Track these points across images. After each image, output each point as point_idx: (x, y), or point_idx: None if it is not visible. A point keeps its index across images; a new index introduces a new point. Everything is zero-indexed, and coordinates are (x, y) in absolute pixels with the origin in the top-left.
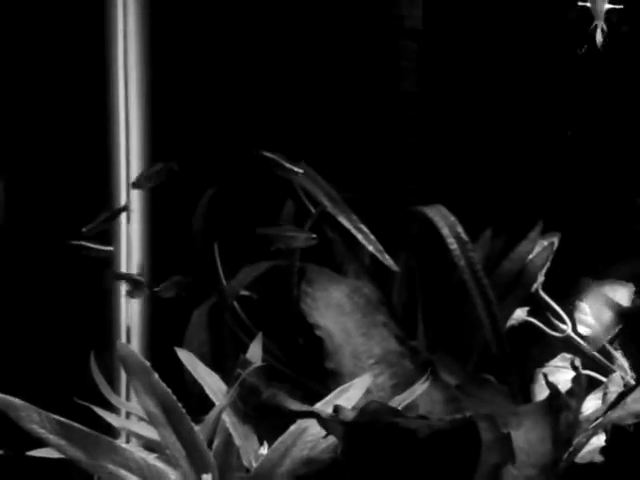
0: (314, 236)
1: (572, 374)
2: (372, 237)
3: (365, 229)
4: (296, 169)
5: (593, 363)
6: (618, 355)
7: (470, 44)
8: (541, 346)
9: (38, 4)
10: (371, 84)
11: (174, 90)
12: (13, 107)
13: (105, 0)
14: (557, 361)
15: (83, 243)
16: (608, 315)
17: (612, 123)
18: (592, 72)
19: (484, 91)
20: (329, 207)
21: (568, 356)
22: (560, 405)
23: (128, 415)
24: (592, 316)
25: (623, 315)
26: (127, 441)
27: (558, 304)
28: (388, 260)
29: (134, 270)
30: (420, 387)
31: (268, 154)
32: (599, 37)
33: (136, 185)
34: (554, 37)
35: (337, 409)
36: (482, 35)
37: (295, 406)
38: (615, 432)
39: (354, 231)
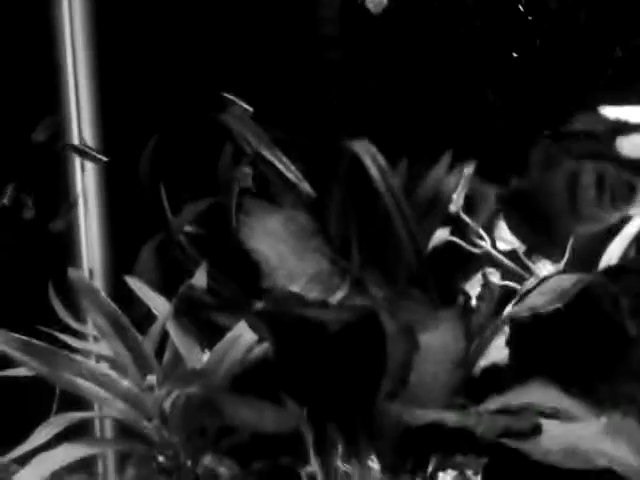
0: (249, 171)
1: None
2: (292, 167)
3: (286, 160)
4: (247, 107)
5: (513, 275)
6: (531, 264)
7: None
8: (466, 263)
9: None
10: (299, 34)
11: (120, 46)
12: None
13: None
14: (481, 274)
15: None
16: None
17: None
18: None
19: (402, 38)
20: (255, 144)
21: (491, 270)
22: (470, 308)
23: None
24: (509, 232)
25: (501, 197)
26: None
27: (480, 225)
28: (305, 185)
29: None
30: (340, 293)
31: (226, 95)
32: None
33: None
34: None
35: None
36: None
37: (228, 319)
38: (514, 326)
39: (276, 162)
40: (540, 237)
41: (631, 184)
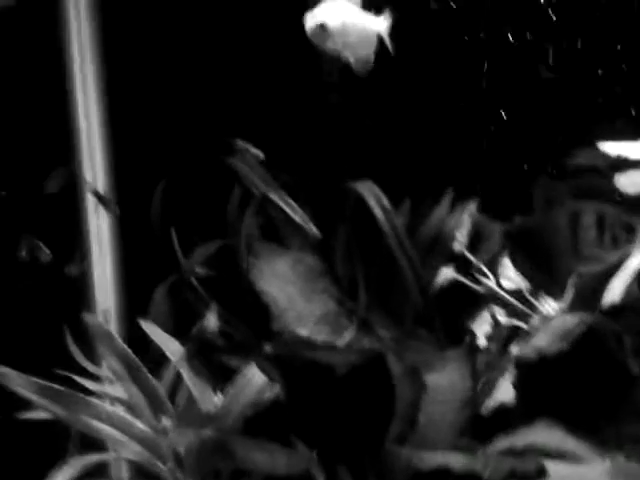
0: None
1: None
2: (299, 210)
3: (293, 203)
4: (257, 152)
5: (518, 313)
6: (535, 302)
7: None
8: (472, 301)
9: None
10: (303, 79)
11: (131, 93)
12: None
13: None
14: (486, 313)
15: None
16: None
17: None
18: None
19: (403, 81)
20: (263, 188)
21: (496, 308)
22: (477, 347)
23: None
24: (514, 271)
25: (506, 234)
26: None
27: (485, 264)
28: (312, 227)
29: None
30: (348, 334)
31: (237, 141)
32: None
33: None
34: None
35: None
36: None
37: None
38: (520, 367)
39: (283, 205)
40: (543, 274)
41: (630, 225)
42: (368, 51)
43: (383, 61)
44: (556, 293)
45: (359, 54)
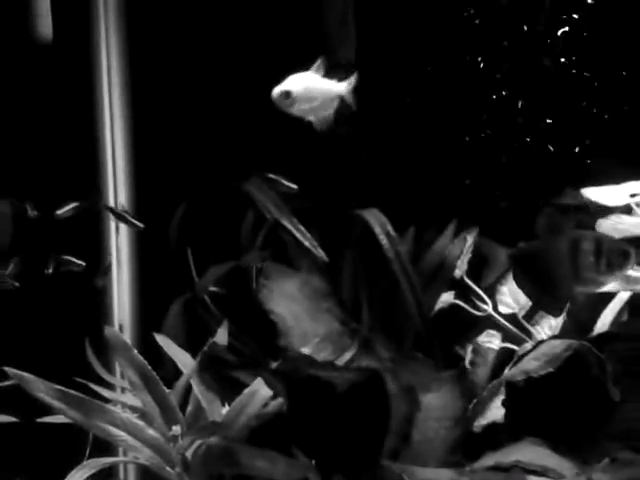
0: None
1: (495, 347)
2: (308, 235)
3: (302, 229)
4: (292, 185)
5: (513, 338)
6: (530, 327)
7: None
8: (470, 325)
9: None
10: None
11: (154, 122)
12: None
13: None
14: (483, 337)
15: None
16: (523, 295)
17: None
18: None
19: (408, 113)
20: (275, 213)
21: (492, 332)
22: (470, 370)
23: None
24: (510, 297)
25: (512, 256)
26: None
27: (482, 289)
28: (320, 252)
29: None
30: (349, 353)
31: (269, 175)
32: None
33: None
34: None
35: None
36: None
37: (247, 376)
38: (509, 388)
39: (294, 230)
40: (545, 295)
41: (626, 252)
42: (328, 112)
43: (392, 97)
44: (557, 313)
45: (320, 115)
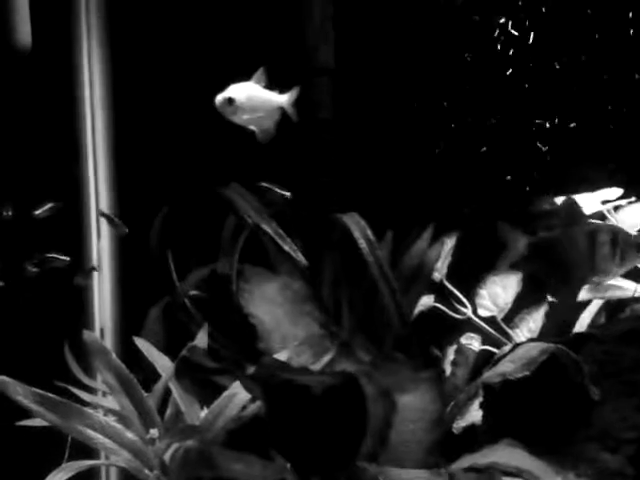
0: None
1: (475, 349)
2: (288, 239)
3: (282, 233)
4: (285, 193)
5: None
6: (510, 330)
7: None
8: (450, 328)
9: None
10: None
11: (136, 128)
12: None
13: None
14: (463, 339)
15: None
16: (502, 298)
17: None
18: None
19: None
20: (255, 218)
21: (472, 335)
22: (446, 372)
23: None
24: (490, 300)
25: (531, 244)
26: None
27: (463, 293)
28: (300, 256)
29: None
30: (327, 357)
31: (264, 184)
32: None
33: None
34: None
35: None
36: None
37: (226, 380)
38: (487, 390)
39: (274, 235)
40: (558, 281)
41: (638, 244)
42: (270, 123)
43: (370, 102)
44: (571, 298)
45: (262, 125)
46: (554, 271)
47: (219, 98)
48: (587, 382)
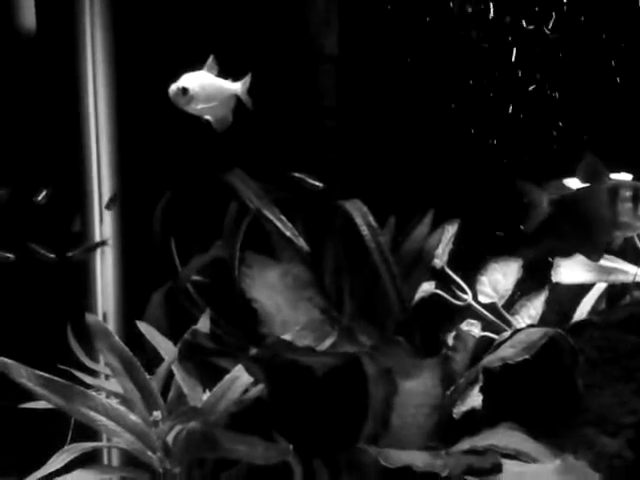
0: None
1: (475, 335)
2: (290, 225)
3: (284, 219)
4: (317, 183)
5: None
6: (510, 317)
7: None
8: (452, 314)
9: None
10: (299, 103)
11: (139, 114)
12: None
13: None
14: (463, 326)
15: None
16: (502, 285)
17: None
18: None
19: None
20: (256, 203)
21: (473, 321)
22: (447, 358)
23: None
24: (490, 287)
25: (554, 201)
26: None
27: (464, 280)
28: (301, 242)
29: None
30: (329, 340)
31: (296, 174)
32: None
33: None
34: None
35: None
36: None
37: (228, 363)
38: (487, 375)
39: (275, 221)
40: (581, 239)
41: None
42: (226, 111)
43: (373, 89)
44: (595, 258)
45: (218, 114)
46: (578, 228)
47: (173, 88)
48: (576, 373)
